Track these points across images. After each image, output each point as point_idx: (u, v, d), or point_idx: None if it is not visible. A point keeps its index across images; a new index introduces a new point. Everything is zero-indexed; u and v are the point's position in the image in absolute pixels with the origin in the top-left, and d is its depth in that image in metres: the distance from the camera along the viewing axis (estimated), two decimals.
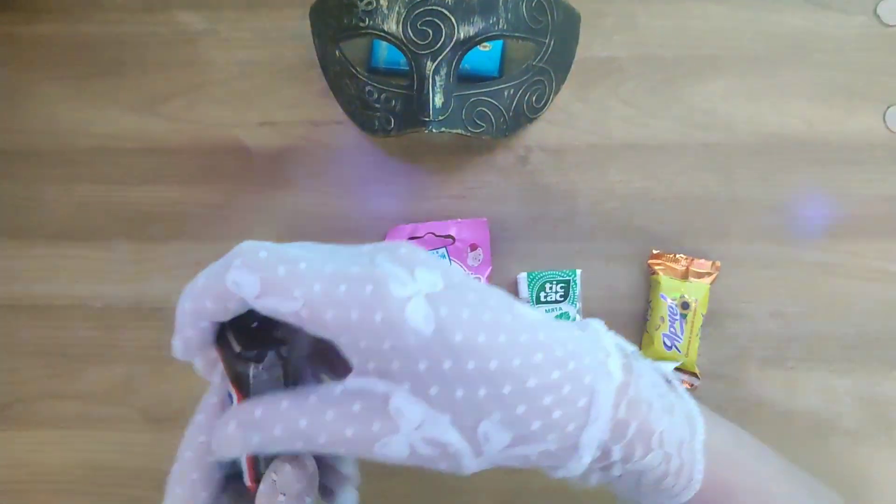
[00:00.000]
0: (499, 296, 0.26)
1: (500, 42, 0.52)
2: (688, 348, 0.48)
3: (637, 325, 0.50)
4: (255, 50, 0.55)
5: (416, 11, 0.44)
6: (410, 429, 0.24)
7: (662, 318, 0.48)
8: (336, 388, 0.25)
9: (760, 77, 0.52)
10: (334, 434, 0.24)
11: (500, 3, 0.45)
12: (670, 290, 0.48)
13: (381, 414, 0.24)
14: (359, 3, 0.45)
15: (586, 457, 0.26)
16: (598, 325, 0.29)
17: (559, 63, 0.50)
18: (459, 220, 0.51)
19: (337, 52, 0.48)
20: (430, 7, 0.44)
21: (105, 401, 0.52)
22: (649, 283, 0.50)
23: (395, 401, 0.24)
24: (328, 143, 0.53)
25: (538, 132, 0.52)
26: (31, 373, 0.52)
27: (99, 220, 0.54)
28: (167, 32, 0.56)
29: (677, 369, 0.48)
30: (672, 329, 0.48)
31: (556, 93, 0.51)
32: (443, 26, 0.44)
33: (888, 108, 0.51)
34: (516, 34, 0.46)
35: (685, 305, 0.48)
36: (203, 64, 0.55)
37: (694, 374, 0.48)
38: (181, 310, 0.27)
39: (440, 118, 0.46)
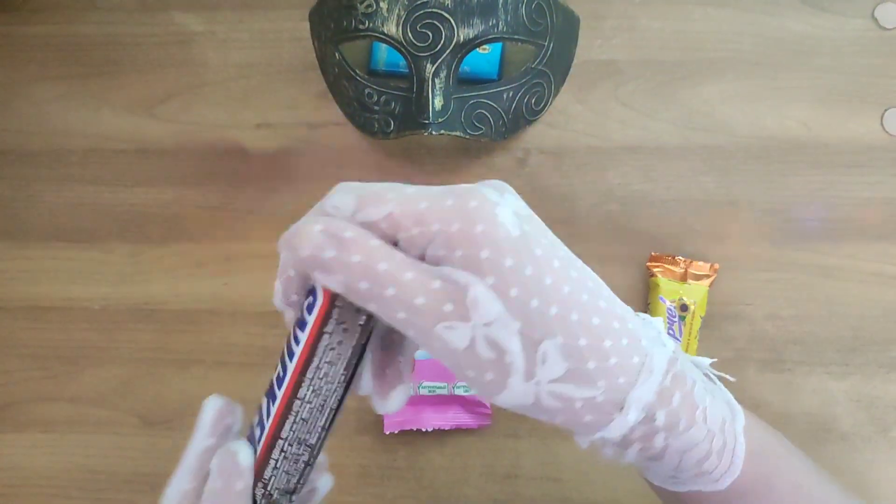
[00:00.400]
0: (568, 251, 0.27)
1: (499, 45, 0.52)
2: (686, 350, 0.48)
3: None
4: (252, 51, 0.54)
5: (416, 14, 0.44)
6: (480, 322, 0.24)
7: (661, 321, 0.48)
8: (422, 263, 0.25)
9: (759, 80, 0.52)
10: (405, 293, 0.24)
11: (500, 6, 0.45)
12: (669, 293, 0.48)
13: (457, 298, 0.24)
14: (358, 5, 0.45)
15: (632, 415, 0.26)
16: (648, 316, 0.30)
17: (558, 65, 0.50)
18: None
19: (336, 54, 0.48)
20: (429, 9, 0.44)
21: (100, 404, 0.51)
22: (648, 285, 0.50)
23: (474, 291, 0.24)
24: (327, 144, 0.53)
25: (537, 134, 0.52)
26: (25, 375, 0.52)
27: (94, 221, 0.53)
28: (163, 33, 0.55)
29: None
30: (671, 331, 0.48)
31: (556, 95, 0.51)
32: (442, 29, 0.44)
33: (886, 110, 0.51)
34: (516, 37, 0.46)
35: (684, 307, 0.48)
36: (200, 65, 0.55)
37: None
38: (288, 237, 0.26)
39: (439, 120, 0.46)
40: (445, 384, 0.48)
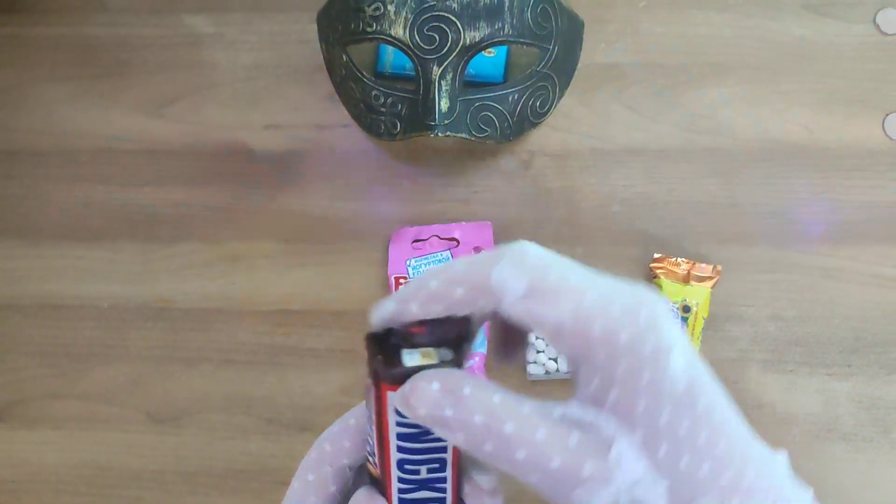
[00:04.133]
0: (727, 399, 0.24)
1: (504, 48, 0.53)
2: None
3: None
4: (261, 53, 0.55)
5: (423, 17, 0.45)
6: (624, 485, 0.21)
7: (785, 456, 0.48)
8: (555, 408, 0.22)
9: (762, 84, 0.52)
10: (537, 456, 0.21)
11: (506, 10, 0.45)
12: (672, 294, 0.49)
13: (598, 456, 0.21)
14: (366, 8, 0.46)
15: None
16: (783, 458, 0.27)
17: (563, 69, 0.51)
18: (464, 223, 0.52)
19: (344, 57, 0.49)
20: (436, 13, 0.45)
21: (109, 401, 0.52)
22: (651, 286, 0.50)
23: (619, 447, 0.22)
24: (334, 146, 0.54)
25: (542, 137, 0.53)
26: (35, 372, 0.52)
27: (103, 220, 0.54)
28: (173, 35, 0.56)
29: None
30: None
31: (560, 98, 0.52)
32: (449, 32, 0.45)
33: (887, 115, 0.52)
34: (521, 40, 0.46)
35: (686, 309, 0.49)
36: (209, 66, 0.55)
37: None
38: (421, 284, 0.24)
39: (445, 122, 0.46)
40: None
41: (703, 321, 0.49)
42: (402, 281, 0.51)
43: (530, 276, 0.23)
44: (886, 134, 0.52)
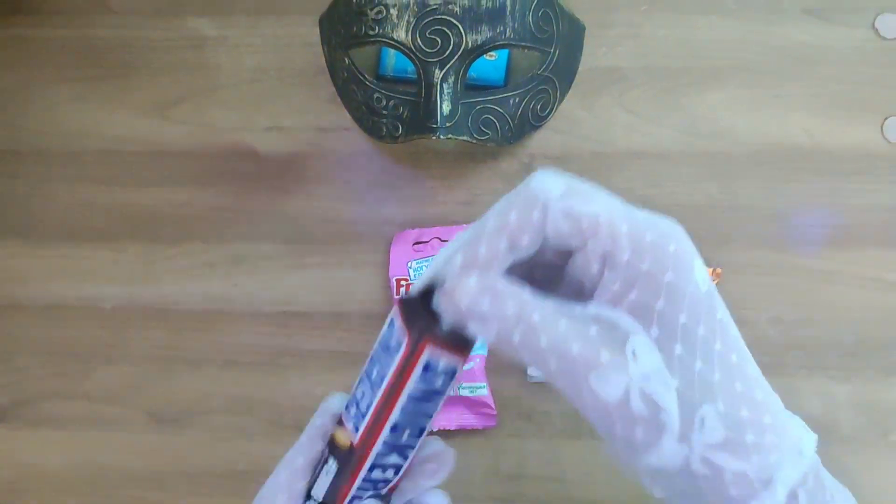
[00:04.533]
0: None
1: (506, 51, 0.53)
2: None
3: None
4: (264, 56, 0.55)
5: (425, 20, 0.45)
6: (638, 377, 0.23)
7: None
8: (576, 307, 0.24)
9: (762, 88, 0.53)
10: (559, 343, 0.23)
11: (508, 13, 0.46)
12: None
13: (615, 347, 0.23)
14: (369, 11, 0.46)
15: (780, 493, 0.25)
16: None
17: (564, 72, 0.51)
18: (465, 225, 0.52)
19: (346, 60, 0.49)
20: (438, 16, 0.45)
21: (111, 402, 0.52)
22: None
23: (635, 341, 0.23)
24: (336, 148, 0.54)
25: (542, 140, 0.53)
26: (37, 373, 0.53)
27: (107, 221, 0.54)
28: (177, 38, 0.56)
29: None
30: None
31: (561, 101, 0.52)
32: (451, 35, 0.45)
33: (886, 119, 0.52)
34: (522, 43, 0.47)
35: None
36: (212, 69, 0.56)
37: None
38: (478, 228, 0.25)
39: (447, 125, 0.47)
40: None
41: None
42: (402, 283, 0.51)
43: (566, 181, 0.24)
44: (886, 137, 0.52)
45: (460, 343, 0.26)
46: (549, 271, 0.26)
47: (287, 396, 0.51)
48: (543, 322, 0.23)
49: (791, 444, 0.26)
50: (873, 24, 0.53)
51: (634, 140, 0.53)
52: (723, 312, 0.24)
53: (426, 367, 0.25)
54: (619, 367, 0.23)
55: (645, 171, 0.52)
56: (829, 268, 0.50)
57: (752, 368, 0.25)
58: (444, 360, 0.26)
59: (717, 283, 0.50)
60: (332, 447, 0.29)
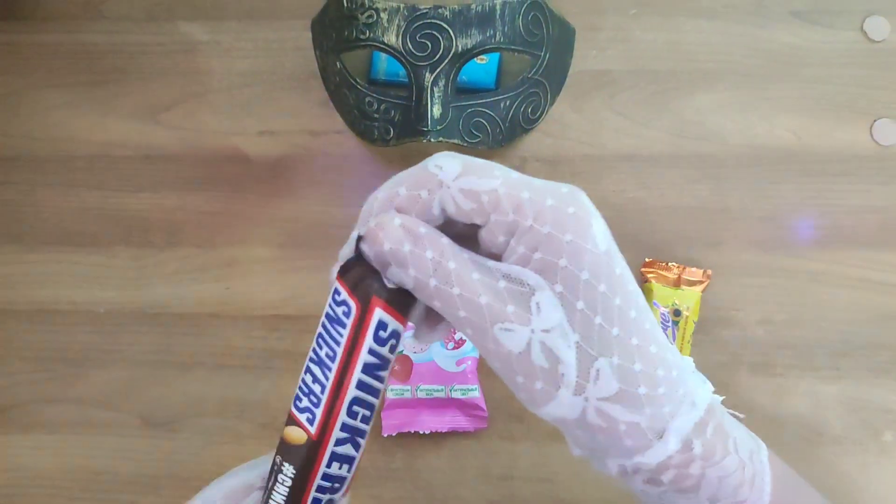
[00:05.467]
0: None
1: (496, 55, 0.54)
2: None
3: None
4: (255, 60, 0.56)
5: (416, 24, 0.45)
6: (539, 328, 0.24)
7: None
8: (489, 262, 0.25)
9: (751, 90, 0.53)
10: (469, 293, 0.24)
11: (497, 17, 0.46)
12: (662, 298, 0.49)
13: (520, 301, 0.24)
14: (360, 15, 0.46)
15: (672, 443, 0.26)
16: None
17: (554, 75, 0.51)
18: None
19: (337, 64, 0.49)
20: (429, 20, 0.45)
21: (104, 405, 0.52)
22: (642, 290, 0.51)
23: (539, 296, 0.24)
24: (327, 152, 0.54)
25: (533, 143, 0.53)
26: (29, 377, 0.53)
27: (99, 226, 0.54)
28: (169, 42, 0.56)
29: None
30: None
31: (552, 104, 0.52)
32: (441, 39, 0.45)
33: (874, 121, 0.52)
34: (513, 47, 0.47)
35: (677, 313, 0.49)
36: (204, 73, 0.56)
37: None
38: (371, 199, 0.27)
39: (438, 128, 0.47)
40: (443, 387, 0.49)
41: (693, 325, 0.49)
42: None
43: (463, 160, 0.25)
44: (874, 139, 0.52)
45: (403, 304, 0.26)
46: (463, 242, 0.27)
47: (279, 399, 0.51)
48: (458, 271, 0.24)
49: (684, 395, 0.26)
50: (862, 27, 0.54)
51: (624, 142, 0.53)
52: (622, 269, 0.25)
53: (378, 328, 0.26)
54: (523, 319, 0.24)
55: (635, 173, 0.53)
56: (818, 268, 0.51)
57: (650, 323, 0.26)
58: (391, 321, 0.26)
59: (706, 285, 0.50)
60: (285, 450, 0.28)
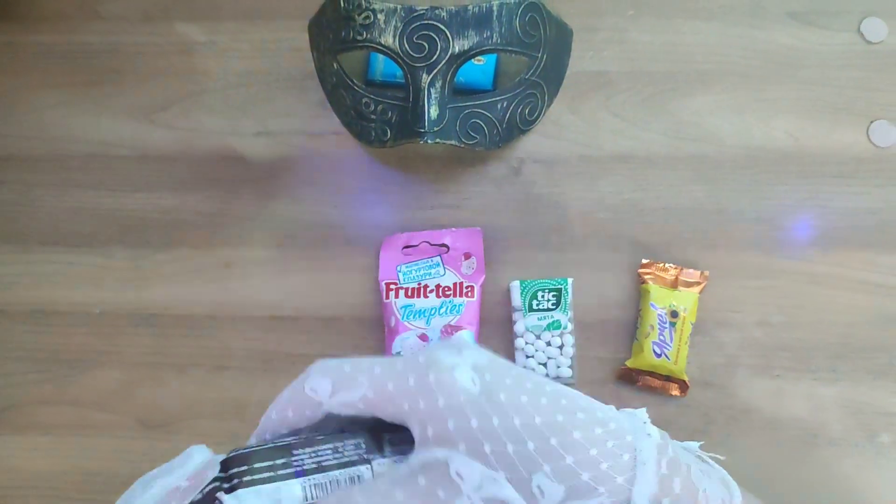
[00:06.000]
0: (539, 377, 0.28)
1: (493, 56, 0.54)
2: (677, 356, 0.49)
3: (627, 333, 0.51)
4: (252, 60, 0.55)
5: (413, 25, 0.45)
6: (471, 490, 0.25)
7: (652, 327, 0.49)
8: (402, 468, 0.27)
9: (748, 92, 0.53)
10: None
11: (495, 18, 0.46)
12: (660, 299, 0.49)
13: (444, 481, 0.25)
14: (356, 16, 0.46)
15: None
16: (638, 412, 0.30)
17: (551, 76, 0.51)
18: (454, 229, 0.52)
19: (334, 65, 0.49)
20: (426, 21, 0.45)
21: (100, 407, 0.52)
22: (639, 291, 0.51)
23: (454, 464, 0.25)
24: (324, 152, 0.54)
25: (531, 144, 0.53)
26: (25, 378, 0.53)
27: (95, 226, 0.54)
28: (165, 43, 0.56)
29: (667, 378, 0.49)
30: (661, 337, 0.49)
31: (549, 105, 0.52)
32: (438, 40, 0.45)
33: (871, 122, 0.52)
34: (510, 48, 0.47)
35: (674, 314, 0.49)
36: (200, 74, 0.56)
37: (683, 382, 0.49)
38: (266, 418, 0.30)
39: (435, 129, 0.47)
40: None
41: (690, 326, 0.49)
42: (392, 287, 0.51)
43: (331, 376, 0.28)
44: (871, 141, 0.52)
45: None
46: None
47: None
48: (380, 500, 0.25)
49: (630, 456, 0.27)
50: (859, 28, 0.54)
51: (621, 144, 0.53)
52: (505, 387, 0.26)
53: None
54: (456, 493, 0.25)
55: (632, 174, 0.52)
56: (816, 270, 0.51)
57: (562, 413, 0.27)
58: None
59: (704, 286, 0.50)
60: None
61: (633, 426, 0.28)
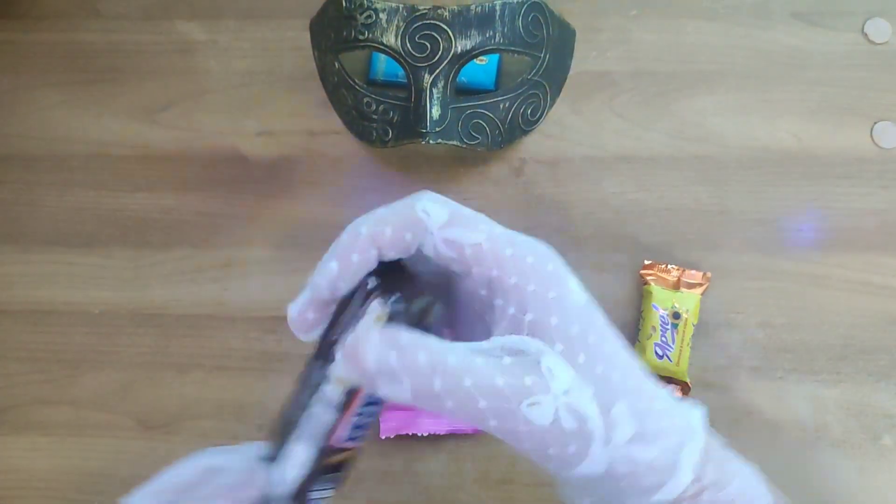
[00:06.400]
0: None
1: (496, 56, 0.53)
2: (679, 357, 0.49)
3: (629, 334, 0.51)
4: (254, 60, 0.55)
5: (415, 25, 0.45)
6: (560, 391, 0.24)
7: (654, 328, 0.49)
8: (482, 344, 0.25)
9: (751, 92, 0.53)
10: (483, 379, 0.23)
11: (497, 18, 0.46)
12: (662, 300, 0.49)
13: (533, 370, 0.24)
14: (358, 15, 0.46)
15: (686, 475, 0.26)
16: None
17: (554, 77, 0.51)
18: None
19: (336, 64, 0.49)
20: (428, 21, 0.45)
21: (100, 407, 0.52)
22: (641, 292, 0.51)
23: (547, 360, 0.24)
24: (326, 153, 0.54)
25: (533, 144, 0.53)
26: (24, 378, 0.52)
27: (95, 226, 0.54)
28: (166, 42, 0.56)
29: (668, 379, 0.49)
30: (663, 338, 0.49)
31: (551, 106, 0.52)
32: (440, 40, 0.45)
33: (875, 123, 0.52)
34: (512, 48, 0.47)
35: (676, 315, 0.49)
36: (201, 73, 0.55)
37: (685, 384, 0.49)
38: (352, 234, 0.26)
39: (437, 130, 0.47)
40: None
41: (692, 327, 0.49)
42: None
43: (450, 208, 0.26)
44: (875, 142, 0.52)
45: None
46: (436, 290, 0.27)
47: (277, 402, 0.50)
48: (461, 364, 0.23)
49: (684, 423, 0.27)
50: (863, 29, 0.53)
51: (624, 144, 0.53)
52: (600, 317, 0.26)
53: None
54: (543, 388, 0.24)
55: (635, 174, 0.52)
56: (819, 272, 0.51)
57: (635, 361, 0.27)
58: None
59: (706, 287, 0.50)
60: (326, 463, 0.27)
61: (682, 406, 0.28)
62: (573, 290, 0.25)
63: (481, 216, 0.26)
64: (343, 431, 0.26)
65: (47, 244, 0.54)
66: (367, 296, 0.25)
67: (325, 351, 0.26)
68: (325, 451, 0.26)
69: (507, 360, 0.24)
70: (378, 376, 0.23)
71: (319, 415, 0.26)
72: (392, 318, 0.25)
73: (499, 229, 0.26)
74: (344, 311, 0.25)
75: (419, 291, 0.26)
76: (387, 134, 0.49)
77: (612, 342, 0.26)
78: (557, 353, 0.24)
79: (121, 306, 0.53)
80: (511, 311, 0.25)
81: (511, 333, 0.25)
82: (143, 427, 0.51)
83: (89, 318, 0.53)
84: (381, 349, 0.23)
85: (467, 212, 0.26)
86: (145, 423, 0.51)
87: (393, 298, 0.25)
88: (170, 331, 0.52)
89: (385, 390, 0.24)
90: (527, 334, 0.24)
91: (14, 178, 0.55)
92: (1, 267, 0.54)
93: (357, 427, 0.26)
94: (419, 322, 0.26)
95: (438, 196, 0.26)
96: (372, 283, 0.25)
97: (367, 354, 0.23)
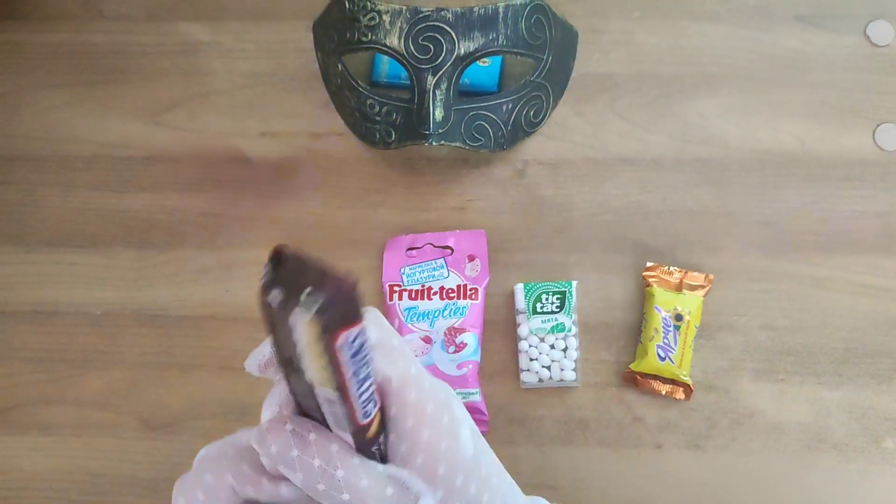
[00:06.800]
0: (494, 457, 0.30)
1: (499, 57, 0.53)
2: (681, 359, 0.49)
3: (632, 336, 0.51)
4: (257, 61, 0.55)
5: (418, 27, 0.45)
6: None
7: (656, 330, 0.49)
8: (379, 465, 0.27)
9: (754, 94, 0.53)
10: (359, 501, 0.26)
11: (500, 20, 0.46)
12: (664, 303, 0.49)
13: None
14: (361, 17, 0.46)
15: None
16: None
17: (557, 78, 0.51)
18: (458, 231, 0.52)
19: (339, 66, 0.49)
20: (431, 23, 0.45)
21: (103, 407, 0.52)
22: (644, 294, 0.51)
23: (424, 502, 0.26)
24: (329, 154, 0.54)
25: (535, 146, 0.53)
26: (28, 378, 0.52)
27: (99, 226, 0.54)
28: (170, 43, 0.56)
29: (671, 381, 0.49)
30: (666, 340, 0.49)
31: (554, 107, 0.52)
32: (443, 42, 0.45)
33: (878, 126, 0.52)
34: (515, 50, 0.47)
35: (679, 317, 0.49)
36: (205, 74, 0.56)
37: (687, 386, 0.49)
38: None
39: (440, 131, 0.47)
40: None
41: (695, 330, 0.49)
42: (396, 289, 0.51)
43: (380, 333, 0.27)
44: (877, 144, 0.52)
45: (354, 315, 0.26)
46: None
47: None
48: (346, 478, 0.26)
49: None
50: (865, 32, 0.53)
51: (627, 146, 0.53)
52: (486, 465, 0.28)
53: (350, 341, 0.26)
54: None
55: (637, 176, 0.52)
56: (821, 274, 0.51)
57: (511, 501, 0.29)
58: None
59: (708, 290, 0.50)
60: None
61: None
62: (464, 444, 0.27)
63: (406, 349, 0.28)
64: (358, 408, 0.27)
65: (51, 244, 0.54)
66: (285, 303, 0.24)
67: (288, 368, 0.27)
68: (360, 431, 0.27)
69: (389, 490, 0.26)
70: (277, 462, 0.26)
71: (331, 412, 0.27)
72: (319, 313, 0.25)
73: (413, 369, 0.28)
74: (275, 330, 0.26)
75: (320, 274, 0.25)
76: (390, 135, 0.49)
77: (491, 494, 0.28)
78: (437, 499, 0.26)
79: (124, 307, 0.53)
80: (403, 449, 0.27)
81: (404, 467, 0.27)
82: (145, 427, 0.51)
83: (92, 318, 0.53)
84: (286, 440, 0.26)
85: (395, 342, 0.28)
86: (148, 423, 0.51)
87: (304, 294, 0.24)
88: (172, 331, 0.52)
89: (282, 471, 0.26)
90: (416, 472, 0.27)
91: (18, 179, 0.55)
92: (4, 267, 0.54)
93: (362, 395, 0.26)
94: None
95: (380, 317, 0.28)
96: (268, 276, 0.24)
97: (273, 441, 0.26)
